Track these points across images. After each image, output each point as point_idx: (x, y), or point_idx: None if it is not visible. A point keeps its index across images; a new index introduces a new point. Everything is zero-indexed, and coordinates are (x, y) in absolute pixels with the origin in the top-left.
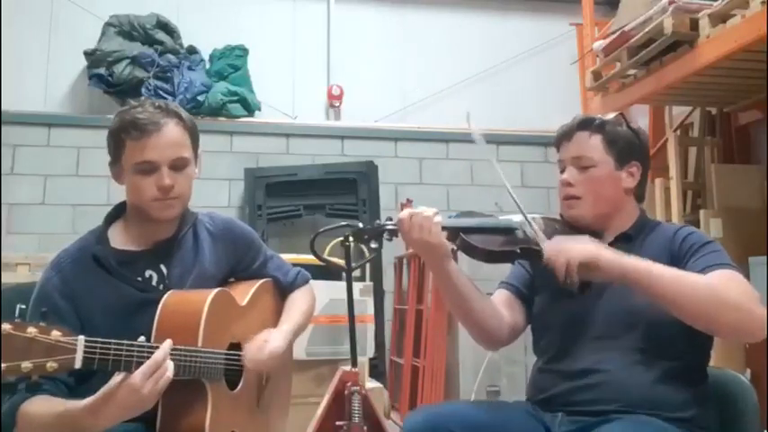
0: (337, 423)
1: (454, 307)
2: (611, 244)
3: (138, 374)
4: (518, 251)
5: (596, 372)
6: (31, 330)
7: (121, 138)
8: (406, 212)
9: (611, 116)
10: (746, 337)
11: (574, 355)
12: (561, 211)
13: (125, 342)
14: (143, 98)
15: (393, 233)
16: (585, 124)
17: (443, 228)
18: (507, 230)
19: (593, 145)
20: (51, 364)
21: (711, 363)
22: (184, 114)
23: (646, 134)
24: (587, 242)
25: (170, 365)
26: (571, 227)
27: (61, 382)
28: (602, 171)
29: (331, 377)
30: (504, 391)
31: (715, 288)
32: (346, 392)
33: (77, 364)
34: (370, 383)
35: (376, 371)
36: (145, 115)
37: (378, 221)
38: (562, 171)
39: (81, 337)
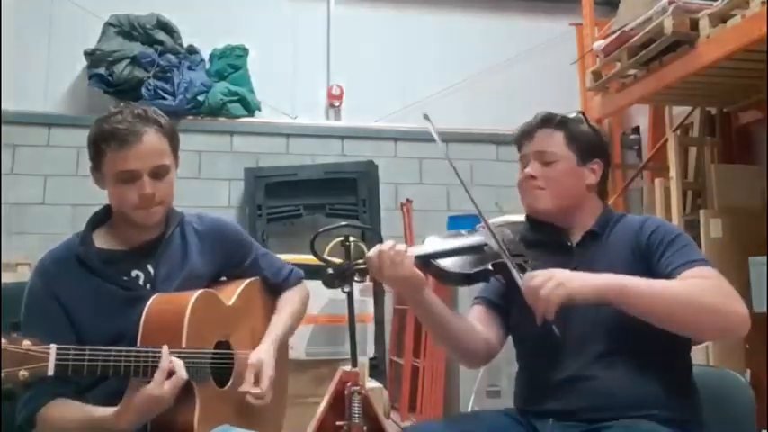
0: (337, 423)
1: (432, 333)
2: (579, 244)
3: (154, 386)
4: (491, 268)
5: (580, 379)
6: (2, 342)
7: (101, 147)
8: (374, 251)
9: (572, 115)
10: (730, 337)
11: (556, 364)
12: (524, 205)
13: (100, 348)
14: (122, 105)
15: (363, 273)
16: (547, 121)
17: (413, 256)
18: (477, 248)
19: (555, 141)
20: (23, 373)
21: (711, 363)
22: (163, 120)
23: (606, 134)
24: (558, 281)
25: (179, 365)
26: (536, 227)
27: (71, 382)
28: (565, 165)
29: (331, 377)
30: (505, 392)
31: (691, 293)
32: (346, 392)
33: (50, 372)
34: (370, 383)
35: (376, 371)
36: (124, 125)
37: (347, 262)
38: (525, 167)
39: (53, 346)
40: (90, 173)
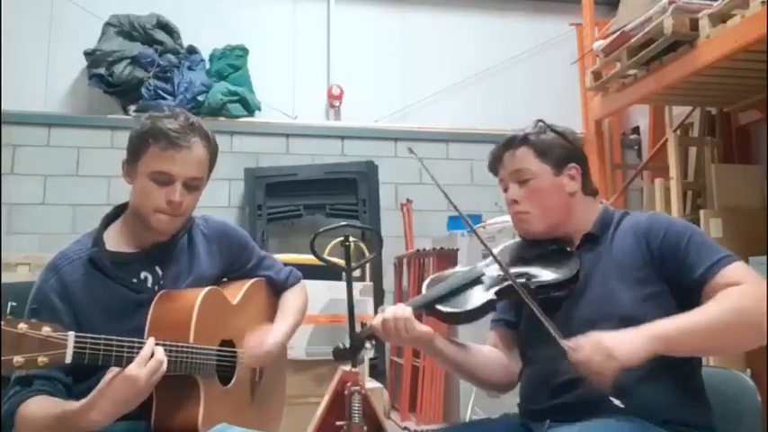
0: (337, 423)
1: (455, 373)
2: (578, 247)
3: (133, 366)
4: (494, 297)
5: (581, 381)
6: (22, 326)
7: (148, 141)
8: (378, 320)
9: (529, 128)
10: None
11: (558, 366)
12: (515, 230)
13: (114, 338)
14: (177, 109)
15: (372, 339)
16: (510, 143)
17: (416, 309)
18: (476, 281)
19: (525, 158)
20: (42, 359)
21: (712, 362)
22: (211, 136)
23: (573, 132)
24: (606, 351)
25: (164, 358)
26: (531, 242)
27: (59, 382)
28: (543, 181)
29: (331, 377)
30: None
31: (738, 312)
32: (346, 392)
33: (68, 359)
34: (370, 383)
35: (376, 371)
36: (176, 126)
37: (356, 333)
38: (505, 191)
39: (71, 333)
40: (121, 165)
